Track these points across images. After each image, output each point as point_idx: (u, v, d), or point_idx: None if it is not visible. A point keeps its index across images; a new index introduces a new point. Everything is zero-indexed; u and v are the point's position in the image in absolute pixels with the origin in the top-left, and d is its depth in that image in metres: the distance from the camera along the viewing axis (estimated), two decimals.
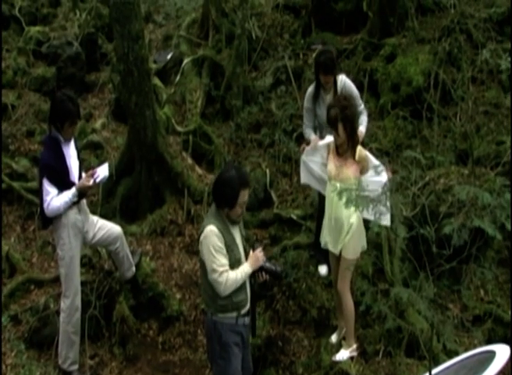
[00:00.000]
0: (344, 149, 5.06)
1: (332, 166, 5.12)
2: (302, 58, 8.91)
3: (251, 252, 4.37)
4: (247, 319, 4.43)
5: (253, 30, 9.16)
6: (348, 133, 4.95)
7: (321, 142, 5.39)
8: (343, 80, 5.86)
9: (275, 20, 9.57)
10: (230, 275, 4.15)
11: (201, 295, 4.49)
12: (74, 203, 5.10)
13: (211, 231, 4.15)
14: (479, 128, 7.36)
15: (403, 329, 5.46)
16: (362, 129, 5.73)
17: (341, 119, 4.90)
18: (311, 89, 5.89)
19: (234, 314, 4.31)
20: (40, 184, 5.05)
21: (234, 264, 4.22)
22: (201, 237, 4.20)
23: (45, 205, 5.00)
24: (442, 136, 7.34)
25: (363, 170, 5.08)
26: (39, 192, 5.20)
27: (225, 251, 4.17)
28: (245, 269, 4.27)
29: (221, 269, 4.12)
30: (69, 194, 5.03)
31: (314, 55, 5.85)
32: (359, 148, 5.05)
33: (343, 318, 5.43)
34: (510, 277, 6.12)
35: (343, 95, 5.40)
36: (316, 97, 5.83)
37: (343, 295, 5.18)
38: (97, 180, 5.18)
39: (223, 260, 4.15)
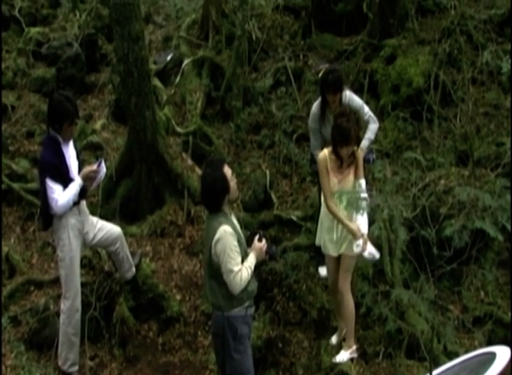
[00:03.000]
0: (347, 160, 5.06)
1: (335, 181, 5.10)
2: (302, 60, 8.92)
3: (256, 242, 4.42)
4: (253, 309, 4.54)
5: (253, 31, 9.15)
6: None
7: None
8: (347, 96, 5.77)
9: (275, 21, 9.57)
10: (243, 273, 4.22)
11: (208, 297, 4.47)
12: (75, 204, 5.09)
13: (225, 231, 4.20)
14: (479, 129, 7.37)
15: (403, 330, 5.46)
16: (365, 142, 5.71)
17: (354, 136, 4.92)
18: (315, 109, 5.81)
19: (247, 304, 4.38)
20: (42, 184, 5.02)
21: (244, 256, 4.31)
22: (215, 239, 4.20)
23: (53, 203, 4.96)
24: (443, 137, 7.34)
25: (357, 167, 5.13)
26: (39, 193, 5.19)
27: (239, 248, 4.24)
28: (252, 261, 4.35)
29: (236, 268, 4.19)
30: (75, 185, 5.02)
31: (320, 74, 5.82)
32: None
33: (342, 319, 5.43)
34: (510, 279, 6.12)
35: (347, 106, 5.43)
36: (322, 117, 5.75)
37: (344, 296, 5.18)
38: (102, 165, 5.18)
39: (238, 258, 4.23)
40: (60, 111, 4.98)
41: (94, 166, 5.13)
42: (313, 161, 6.03)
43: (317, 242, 5.44)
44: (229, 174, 4.30)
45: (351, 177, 5.08)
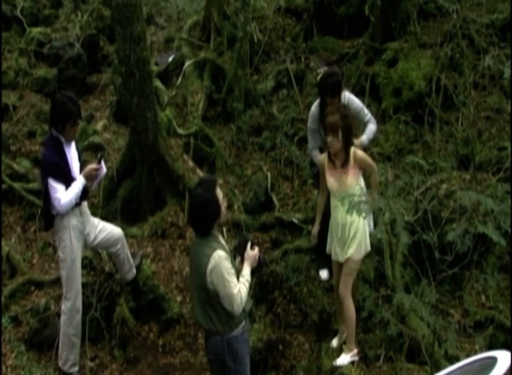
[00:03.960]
0: (340, 158, 5.05)
1: (332, 181, 5.09)
2: (304, 62, 8.92)
3: (248, 250, 4.30)
4: (247, 324, 4.42)
5: (255, 33, 9.16)
6: (344, 141, 4.97)
7: None
8: (346, 97, 5.76)
9: (277, 24, 9.58)
10: (242, 291, 4.11)
11: (201, 324, 4.28)
12: (76, 205, 5.09)
13: (220, 257, 4.03)
14: (481, 133, 7.35)
15: (404, 334, 5.44)
16: (365, 137, 5.74)
17: (341, 126, 4.91)
18: (314, 110, 5.81)
19: (243, 323, 4.27)
20: (44, 184, 5.01)
21: (237, 275, 4.19)
22: (211, 267, 4.02)
23: (56, 202, 4.95)
24: (444, 141, 7.33)
25: (367, 169, 5.12)
26: (41, 193, 5.18)
27: (233, 270, 4.12)
28: (248, 273, 4.24)
29: (236, 290, 4.06)
30: (77, 184, 5.02)
31: (318, 77, 5.80)
32: (352, 150, 5.06)
33: (343, 322, 5.42)
34: (511, 283, 6.12)
35: (342, 105, 5.45)
36: (321, 117, 5.70)
37: (344, 300, 5.17)
38: (102, 162, 5.18)
39: (235, 279, 4.09)
40: (63, 111, 4.98)
41: (95, 164, 5.14)
42: (313, 163, 6.03)
43: (327, 250, 5.39)
44: (220, 197, 4.12)
45: (349, 179, 5.02)
